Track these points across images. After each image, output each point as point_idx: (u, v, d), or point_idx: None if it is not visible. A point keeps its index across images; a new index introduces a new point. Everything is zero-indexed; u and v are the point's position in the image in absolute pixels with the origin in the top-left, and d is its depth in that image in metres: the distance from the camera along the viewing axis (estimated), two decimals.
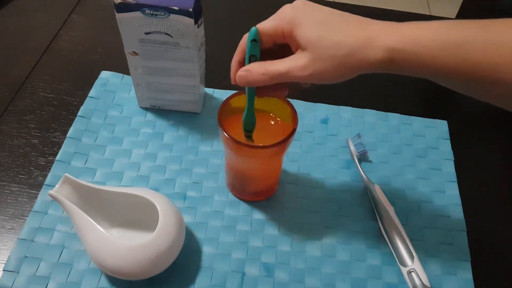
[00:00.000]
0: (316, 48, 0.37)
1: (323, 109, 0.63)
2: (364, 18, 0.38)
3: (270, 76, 0.39)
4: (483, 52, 0.33)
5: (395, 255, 0.49)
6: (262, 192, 0.54)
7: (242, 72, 0.40)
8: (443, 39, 0.35)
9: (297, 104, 0.63)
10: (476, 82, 0.35)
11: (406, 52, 0.35)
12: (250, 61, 0.40)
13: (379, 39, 0.36)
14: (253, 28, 0.39)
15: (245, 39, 0.41)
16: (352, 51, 0.36)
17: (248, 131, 0.46)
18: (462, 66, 0.34)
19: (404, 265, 0.48)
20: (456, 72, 0.35)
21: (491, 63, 0.33)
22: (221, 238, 0.50)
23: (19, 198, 0.52)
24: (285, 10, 0.39)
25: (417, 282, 0.46)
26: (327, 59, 0.37)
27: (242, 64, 0.42)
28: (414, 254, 0.48)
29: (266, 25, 0.40)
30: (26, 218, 0.51)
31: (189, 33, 0.50)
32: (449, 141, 0.61)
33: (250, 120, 0.45)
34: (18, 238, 0.49)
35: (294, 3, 0.40)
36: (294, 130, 0.44)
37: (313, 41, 0.37)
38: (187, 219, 0.51)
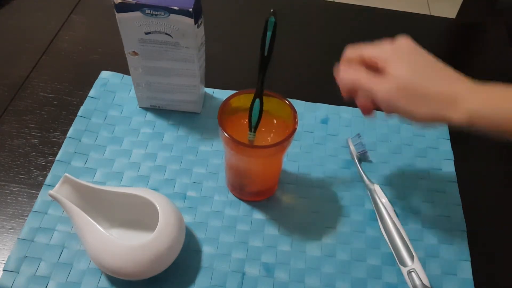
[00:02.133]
0: (405, 86, 0.40)
1: (323, 109, 0.63)
2: (454, 72, 0.41)
3: (362, 88, 0.43)
4: None
5: (395, 255, 0.49)
6: (262, 192, 0.54)
7: (341, 69, 0.44)
8: None
9: (297, 104, 0.63)
10: None
11: (487, 116, 0.38)
12: None
13: (464, 101, 0.38)
14: None
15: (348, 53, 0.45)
16: (438, 105, 0.39)
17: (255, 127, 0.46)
18: None
19: (404, 265, 0.48)
20: None
21: None
22: (221, 238, 0.50)
23: (19, 198, 0.52)
24: (386, 47, 0.43)
25: (417, 282, 0.46)
26: (410, 102, 0.40)
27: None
28: (414, 254, 0.48)
29: (364, 52, 0.43)
30: (26, 218, 0.51)
31: (189, 33, 0.50)
32: (449, 141, 0.61)
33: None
34: (18, 238, 0.49)
35: (397, 41, 0.43)
36: (294, 130, 0.44)
37: (405, 79, 0.40)
38: (187, 219, 0.51)
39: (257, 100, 0.44)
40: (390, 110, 0.41)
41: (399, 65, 0.41)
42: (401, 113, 0.41)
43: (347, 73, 0.44)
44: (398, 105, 0.40)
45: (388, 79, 0.41)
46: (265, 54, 0.41)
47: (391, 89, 0.40)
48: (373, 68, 0.42)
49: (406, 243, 0.49)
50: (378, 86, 0.41)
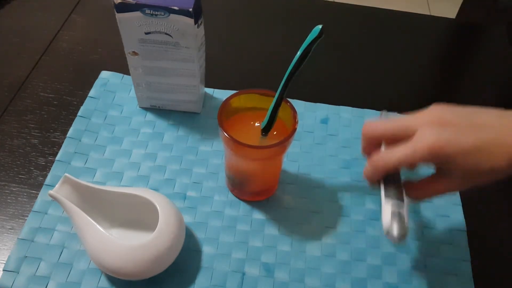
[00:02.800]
0: (470, 174, 0.38)
1: (323, 109, 0.63)
2: (500, 117, 0.38)
3: (379, 172, 0.40)
4: None
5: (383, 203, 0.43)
6: (262, 192, 0.54)
7: (371, 168, 0.41)
8: None
9: (297, 104, 0.63)
10: None
11: None
12: None
13: (504, 145, 0.36)
14: None
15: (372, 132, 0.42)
16: (498, 174, 0.38)
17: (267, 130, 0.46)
18: None
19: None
20: None
21: None
22: (221, 238, 0.50)
23: (19, 198, 0.52)
24: (417, 115, 0.40)
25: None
26: (459, 176, 0.38)
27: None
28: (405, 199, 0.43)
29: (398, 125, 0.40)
30: (26, 218, 0.51)
31: (189, 33, 0.50)
32: None
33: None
34: (18, 238, 0.49)
35: (428, 109, 0.39)
36: (294, 130, 0.44)
37: (470, 169, 0.37)
38: (187, 219, 0.51)
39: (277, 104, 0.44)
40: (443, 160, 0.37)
41: (460, 158, 0.36)
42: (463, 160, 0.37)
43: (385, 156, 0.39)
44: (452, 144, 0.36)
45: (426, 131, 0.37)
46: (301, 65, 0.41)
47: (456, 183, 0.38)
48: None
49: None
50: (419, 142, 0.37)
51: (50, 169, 0.54)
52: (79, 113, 0.60)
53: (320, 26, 0.39)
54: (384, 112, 0.52)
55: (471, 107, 0.39)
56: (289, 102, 0.46)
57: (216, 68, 0.64)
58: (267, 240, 0.50)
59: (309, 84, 0.66)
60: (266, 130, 0.46)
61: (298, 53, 0.41)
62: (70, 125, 0.59)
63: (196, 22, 0.49)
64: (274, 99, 0.44)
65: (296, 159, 0.58)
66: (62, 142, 0.57)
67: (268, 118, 0.45)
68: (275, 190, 0.54)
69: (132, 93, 0.62)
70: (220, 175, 0.55)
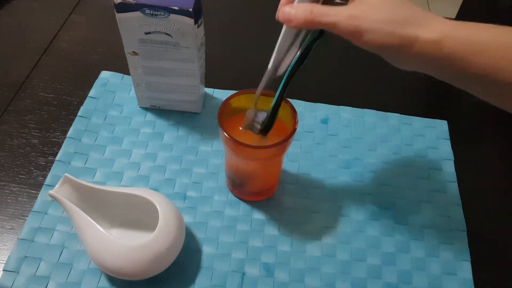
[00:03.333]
0: (374, 6, 0.36)
1: (323, 109, 0.63)
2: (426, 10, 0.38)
3: (315, 17, 0.37)
4: None
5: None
6: (262, 192, 0.54)
7: (286, 8, 0.38)
8: (497, 37, 0.35)
9: (297, 104, 0.63)
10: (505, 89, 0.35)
11: (458, 38, 0.35)
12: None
13: (436, 22, 0.36)
14: None
15: None
16: (408, 21, 0.36)
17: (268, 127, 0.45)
18: (506, 67, 0.34)
19: None
20: (497, 72, 0.34)
21: None
22: (221, 238, 0.50)
23: (19, 198, 0.52)
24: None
25: None
26: (380, 18, 0.36)
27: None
28: None
29: None
30: (26, 218, 0.51)
31: (189, 33, 0.50)
32: (449, 141, 0.61)
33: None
34: (18, 238, 0.49)
35: None
36: (294, 130, 0.44)
37: (375, 1, 0.37)
38: (187, 219, 0.51)
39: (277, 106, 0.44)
40: (353, 39, 0.37)
41: None
42: (365, 44, 0.37)
43: (296, 7, 0.38)
44: (364, 38, 0.36)
45: (353, 5, 0.37)
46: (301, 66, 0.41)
47: (359, 16, 0.36)
48: None
49: None
50: (342, 14, 0.36)
51: (50, 169, 0.54)
52: (79, 113, 0.60)
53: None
54: None
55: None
56: (289, 102, 0.46)
57: (216, 68, 0.64)
58: (267, 240, 0.50)
59: (309, 84, 0.66)
60: (266, 131, 0.46)
61: (298, 53, 0.41)
62: (70, 125, 0.59)
63: (196, 22, 0.49)
64: (274, 99, 0.44)
65: (296, 159, 0.58)
66: (62, 142, 0.57)
67: (268, 119, 0.45)
68: (275, 190, 0.54)
69: (132, 93, 0.62)
70: (220, 175, 0.55)
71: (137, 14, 0.49)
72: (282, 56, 0.42)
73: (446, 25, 0.36)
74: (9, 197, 0.52)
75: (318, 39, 0.40)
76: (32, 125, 0.59)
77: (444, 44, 0.35)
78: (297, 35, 0.41)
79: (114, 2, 0.48)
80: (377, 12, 0.36)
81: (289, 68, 0.42)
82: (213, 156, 0.57)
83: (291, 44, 0.41)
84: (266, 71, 0.42)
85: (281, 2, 0.40)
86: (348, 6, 0.38)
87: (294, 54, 0.42)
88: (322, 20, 0.37)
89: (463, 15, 1.00)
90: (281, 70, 0.43)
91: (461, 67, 0.36)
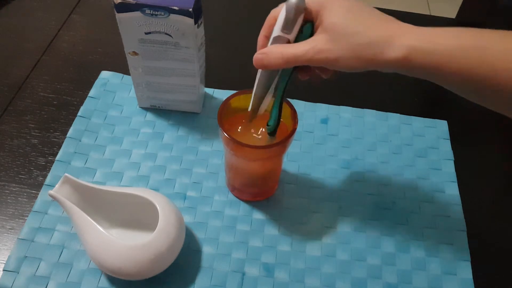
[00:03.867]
0: (338, 34, 0.37)
1: (323, 109, 0.63)
2: (389, 16, 0.39)
3: (286, 59, 0.39)
4: (501, 59, 0.34)
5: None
6: (262, 192, 0.54)
7: (258, 55, 0.40)
8: (463, 42, 0.35)
9: (297, 104, 0.63)
10: (490, 89, 0.35)
11: (424, 51, 0.35)
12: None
13: (400, 38, 0.36)
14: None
15: (273, 14, 0.41)
16: (371, 43, 0.36)
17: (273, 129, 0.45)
18: (478, 71, 0.34)
19: None
20: (470, 76, 0.35)
21: (508, 69, 0.33)
22: (221, 238, 0.50)
23: (19, 198, 0.52)
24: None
25: None
26: (345, 46, 0.37)
27: (268, 39, 0.41)
28: None
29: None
30: (26, 218, 0.51)
31: (189, 33, 0.50)
32: (449, 141, 0.61)
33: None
34: (18, 238, 0.49)
35: None
36: (294, 130, 0.44)
37: (337, 26, 0.37)
38: (187, 219, 0.51)
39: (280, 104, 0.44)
40: (326, 66, 0.39)
41: (335, 10, 0.38)
42: (338, 68, 0.38)
43: (267, 53, 0.40)
44: (335, 64, 0.38)
45: (318, 36, 0.38)
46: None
47: (325, 47, 0.37)
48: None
49: None
50: (309, 49, 0.38)
51: (50, 169, 0.54)
52: (79, 113, 0.60)
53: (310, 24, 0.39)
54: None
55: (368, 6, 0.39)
56: (289, 102, 0.46)
57: (216, 68, 0.64)
58: (267, 240, 0.50)
59: (309, 84, 0.66)
60: (273, 133, 0.45)
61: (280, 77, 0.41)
62: (70, 125, 0.59)
63: (196, 22, 0.49)
64: (277, 103, 0.44)
65: (296, 159, 0.58)
66: (62, 142, 0.57)
67: (275, 119, 0.44)
68: (275, 190, 0.54)
69: (132, 93, 0.62)
70: (220, 175, 0.55)
71: (137, 14, 0.49)
72: (263, 95, 0.44)
73: (411, 37, 0.36)
74: (9, 197, 0.52)
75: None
76: (32, 125, 0.59)
77: (411, 58, 0.36)
78: (273, 75, 0.43)
79: (114, 2, 0.48)
80: (340, 40, 0.37)
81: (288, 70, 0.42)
82: (213, 156, 0.57)
83: (271, 83, 0.43)
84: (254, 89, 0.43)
85: (258, 46, 0.42)
86: (315, 37, 0.39)
87: (272, 93, 0.44)
88: (293, 61, 0.39)
89: (463, 15, 1.00)
90: (261, 110, 0.45)
91: (433, 75, 0.37)
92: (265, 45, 0.41)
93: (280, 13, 0.39)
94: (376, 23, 0.38)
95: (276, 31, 0.40)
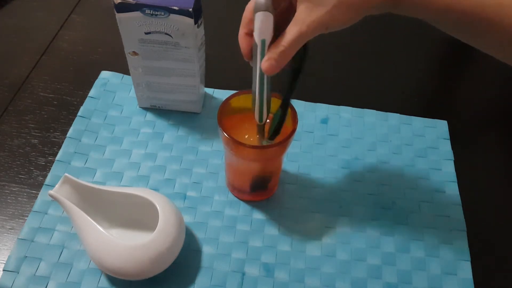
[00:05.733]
0: None
1: (323, 109, 0.63)
2: None
3: (289, 48, 0.38)
4: None
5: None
6: (262, 192, 0.54)
7: (265, 63, 0.39)
8: None
9: (297, 104, 0.63)
10: (478, 24, 0.34)
11: None
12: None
13: None
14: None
15: (248, 10, 0.41)
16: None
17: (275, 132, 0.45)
18: (467, 3, 0.34)
19: None
20: (460, 8, 0.34)
21: (495, 3, 0.33)
22: (221, 238, 0.50)
23: (19, 198, 0.52)
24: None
25: None
26: (330, 5, 0.36)
27: (250, 36, 0.41)
28: None
29: None
30: (26, 218, 0.51)
31: (189, 33, 0.50)
32: (449, 141, 0.61)
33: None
34: (18, 238, 0.49)
35: None
36: (294, 130, 0.44)
37: None
38: (187, 219, 0.51)
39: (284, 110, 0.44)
40: (322, 31, 0.37)
41: None
42: (332, 27, 0.37)
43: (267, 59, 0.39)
44: (327, 24, 0.36)
45: (299, 10, 0.37)
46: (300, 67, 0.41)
47: (309, 15, 0.37)
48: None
49: None
50: (298, 26, 0.37)
51: (50, 169, 0.54)
52: (79, 113, 0.60)
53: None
54: None
55: None
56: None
57: (216, 68, 0.64)
58: (267, 240, 0.50)
59: (309, 84, 0.66)
60: (273, 137, 0.45)
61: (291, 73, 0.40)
62: (70, 125, 0.59)
63: (196, 22, 0.49)
64: (281, 110, 0.44)
65: (296, 159, 0.58)
66: (62, 142, 0.57)
67: (276, 125, 0.44)
68: (275, 190, 0.54)
69: (132, 93, 0.62)
70: (220, 175, 0.55)
71: (137, 14, 0.49)
72: (267, 102, 0.43)
73: None
74: (9, 197, 0.52)
75: (305, 55, 0.40)
76: (32, 125, 0.59)
77: None
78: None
79: (114, 2, 0.48)
80: (324, 2, 0.36)
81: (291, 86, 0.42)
82: (213, 156, 0.57)
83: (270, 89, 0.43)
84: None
85: (242, 45, 0.42)
86: (296, 14, 0.38)
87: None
88: (293, 47, 0.38)
89: None
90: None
91: (423, 9, 0.36)
92: (248, 44, 0.41)
93: (255, 20, 0.39)
94: None
95: (258, 37, 0.39)
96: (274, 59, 0.39)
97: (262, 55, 0.40)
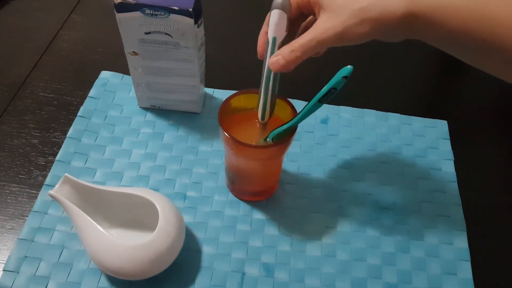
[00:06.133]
0: (337, 7, 0.37)
1: (323, 109, 0.63)
2: None
3: (301, 50, 0.39)
4: (504, 13, 0.34)
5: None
6: (262, 192, 0.54)
7: (273, 58, 0.40)
8: None
9: (297, 104, 0.62)
10: (493, 45, 0.35)
11: (425, 3, 0.35)
12: (330, 93, 0.40)
13: None
14: (348, 67, 0.38)
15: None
16: (371, 4, 0.36)
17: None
18: (482, 26, 0.34)
19: None
20: (475, 31, 0.34)
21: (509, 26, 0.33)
22: (221, 238, 0.50)
23: (19, 198, 0.52)
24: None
25: None
26: (347, 15, 0.37)
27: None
28: None
29: None
30: (26, 218, 0.51)
31: (189, 33, 0.50)
32: (449, 141, 0.61)
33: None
34: (18, 238, 0.49)
35: None
36: (294, 130, 0.44)
37: (335, 1, 0.37)
38: (187, 219, 0.51)
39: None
40: (336, 43, 0.38)
41: None
42: (347, 41, 0.38)
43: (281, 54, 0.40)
44: (343, 37, 0.37)
45: (320, 18, 0.38)
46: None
47: (328, 24, 0.37)
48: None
49: None
50: (316, 33, 0.38)
51: (50, 169, 0.54)
52: (79, 113, 0.60)
53: (350, 67, 0.38)
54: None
55: None
56: (289, 101, 0.46)
57: (216, 68, 0.64)
58: (267, 240, 0.50)
59: (309, 84, 0.66)
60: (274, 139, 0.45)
61: (324, 89, 0.40)
62: (70, 125, 0.59)
63: (196, 22, 0.49)
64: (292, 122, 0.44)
65: (296, 159, 0.58)
66: (62, 142, 0.57)
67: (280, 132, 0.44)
68: (275, 190, 0.54)
69: (132, 93, 0.62)
70: (220, 175, 0.55)
71: (137, 14, 0.49)
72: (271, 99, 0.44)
73: None
74: (9, 197, 0.52)
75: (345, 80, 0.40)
76: (32, 125, 0.59)
77: (415, 13, 0.35)
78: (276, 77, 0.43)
79: (114, 2, 0.48)
80: (341, 12, 0.37)
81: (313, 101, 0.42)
82: (213, 156, 0.57)
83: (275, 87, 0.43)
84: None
85: (259, 43, 0.43)
86: (316, 22, 0.39)
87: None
88: (304, 51, 0.39)
89: None
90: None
91: (435, 32, 0.36)
92: (264, 41, 0.42)
93: (270, 17, 0.39)
94: None
95: (270, 34, 0.40)
96: (282, 57, 0.39)
97: (271, 53, 0.40)
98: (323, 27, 0.38)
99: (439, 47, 0.38)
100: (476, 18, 0.34)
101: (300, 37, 0.39)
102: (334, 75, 0.39)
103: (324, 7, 0.38)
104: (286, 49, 0.39)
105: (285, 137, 0.44)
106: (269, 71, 0.42)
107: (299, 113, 0.42)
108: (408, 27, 0.36)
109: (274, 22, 0.39)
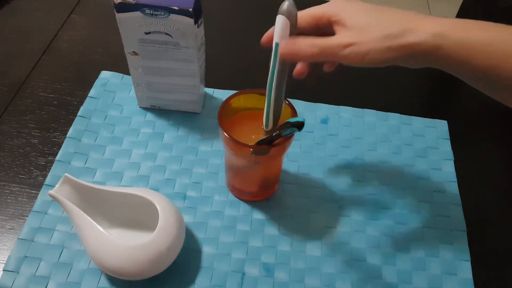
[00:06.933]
0: (364, 29, 0.37)
1: (323, 109, 0.63)
2: (410, 10, 0.39)
3: (320, 48, 0.38)
4: None
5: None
6: (262, 192, 0.54)
7: (288, 41, 0.39)
8: (493, 35, 0.35)
9: (297, 104, 0.63)
10: None
11: (452, 38, 0.35)
12: None
13: (425, 25, 0.36)
14: None
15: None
16: (399, 32, 0.36)
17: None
18: (508, 66, 0.34)
19: None
20: (501, 70, 0.35)
21: None
22: (221, 238, 0.50)
23: (19, 198, 0.52)
24: (336, 1, 0.40)
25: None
26: (374, 38, 0.37)
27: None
28: None
29: (315, 9, 0.40)
30: (26, 218, 0.51)
31: (189, 33, 0.50)
32: (449, 141, 0.61)
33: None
34: (18, 238, 0.49)
35: None
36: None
37: (362, 24, 0.37)
38: (187, 219, 0.51)
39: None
40: (356, 62, 0.38)
41: (356, 11, 0.38)
42: (368, 63, 0.38)
43: (299, 43, 0.39)
44: (365, 58, 0.37)
45: (346, 33, 0.38)
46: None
47: (355, 42, 0.37)
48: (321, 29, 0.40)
49: None
50: (341, 43, 0.38)
51: (50, 169, 0.54)
52: (79, 113, 0.60)
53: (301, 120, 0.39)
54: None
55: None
56: (289, 102, 0.46)
57: (216, 68, 0.64)
58: (267, 240, 0.50)
59: (309, 84, 0.66)
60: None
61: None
62: (70, 125, 0.59)
63: (196, 22, 0.49)
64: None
65: (296, 159, 0.58)
66: (62, 142, 0.57)
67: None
68: (275, 190, 0.54)
69: (132, 93, 0.62)
70: (220, 175, 0.55)
71: (137, 14, 0.49)
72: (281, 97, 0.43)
73: (439, 25, 0.36)
74: (9, 197, 0.52)
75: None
76: (32, 125, 0.59)
77: (440, 45, 0.36)
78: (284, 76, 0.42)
79: (114, 2, 0.48)
80: (368, 34, 0.37)
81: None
82: (213, 156, 0.57)
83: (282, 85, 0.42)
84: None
85: (268, 32, 0.42)
86: (338, 35, 0.38)
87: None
88: (327, 52, 0.38)
89: (463, 15, 1.00)
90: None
91: (460, 66, 0.36)
92: (271, 34, 0.41)
93: (276, 23, 0.39)
94: (401, 16, 0.38)
95: (274, 39, 0.39)
96: (298, 45, 0.38)
97: (274, 58, 0.40)
98: (348, 40, 0.37)
99: (463, 79, 0.38)
100: (502, 59, 0.35)
101: (323, 38, 0.38)
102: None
103: (349, 25, 0.38)
104: (307, 41, 0.38)
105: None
106: (272, 78, 0.41)
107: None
108: (433, 59, 0.37)
109: (277, 28, 0.39)
